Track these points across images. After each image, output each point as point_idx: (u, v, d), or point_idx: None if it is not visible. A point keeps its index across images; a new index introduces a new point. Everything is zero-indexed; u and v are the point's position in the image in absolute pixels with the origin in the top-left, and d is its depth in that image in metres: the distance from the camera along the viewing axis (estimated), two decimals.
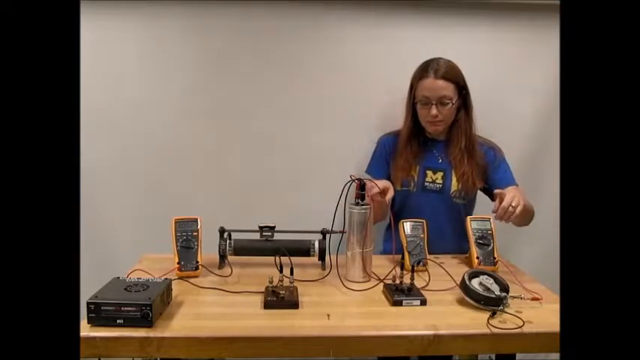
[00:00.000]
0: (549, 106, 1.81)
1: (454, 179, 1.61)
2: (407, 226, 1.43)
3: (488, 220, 1.45)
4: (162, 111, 1.79)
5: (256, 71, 1.78)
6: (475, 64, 1.75)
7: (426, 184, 1.62)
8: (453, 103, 1.55)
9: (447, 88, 1.53)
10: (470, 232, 1.43)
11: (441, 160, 1.63)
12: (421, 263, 1.35)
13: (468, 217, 1.47)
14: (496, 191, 1.38)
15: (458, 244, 1.64)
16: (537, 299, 1.17)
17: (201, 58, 1.77)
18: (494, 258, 1.38)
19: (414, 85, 1.59)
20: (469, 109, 1.60)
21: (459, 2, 1.77)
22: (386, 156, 1.68)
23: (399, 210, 1.62)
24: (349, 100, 1.81)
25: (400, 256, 1.41)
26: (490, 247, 1.40)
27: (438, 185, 1.62)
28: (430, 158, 1.64)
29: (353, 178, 1.29)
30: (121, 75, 1.75)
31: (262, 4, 1.73)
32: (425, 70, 1.56)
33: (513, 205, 1.30)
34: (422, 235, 1.42)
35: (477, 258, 1.38)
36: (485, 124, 1.70)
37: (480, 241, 1.41)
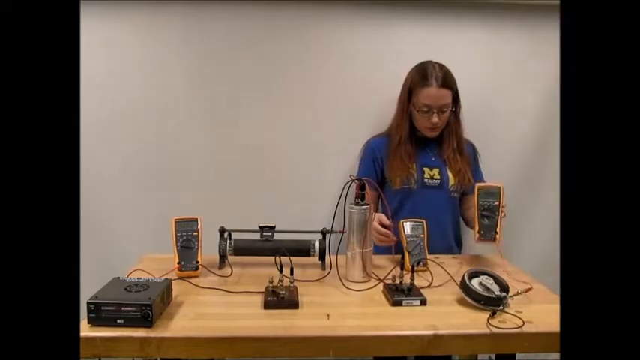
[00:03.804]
0: (549, 106, 1.81)
1: (450, 175, 1.64)
2: (407, 226, 1.43)
3: (498, 188, 1.38)
4: (162, 112, 1.78)
5: (256, 72, 1.78)
6: (475, 64, 1.77)
7: (425, 180, 1.64)
8: (451, 110, 1.59)
9: (447, 96, 1.57)
10: (476, 203, 1.38)
11: (434, 158, 1.66)
12: (421, 263, 1.35)
13: (477, 185, 1.41)
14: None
15: (457, 237, 1.70)
16: (529, 289, 1.17)
17: (201, 59, 1.77)
18: (495, 232, 1.34)
19: (412, 90, 1.60)
20: (458, 110, 1.64)
21: (459, 2, 1.77)
22: (376, 159, 1.68)
23: (400, 207, 1.63)
24: (349, 100, 1.81)
25: (400, 256, 1.41)
26: (493, 220, 1.35)
27: (436, 181, 1.64)
28: (424, 156, 1.66)
29: (353, 178, 1.29)
30: (121, 76, 1.75)
31: (262, 4, 1.73)
32: (425, 77, 1.56)
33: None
34: (422, 235, 1.42)
35: (479, 232, 1.36)
36: (485, 124, 1.70)
37: (485, 213, 1.36)
